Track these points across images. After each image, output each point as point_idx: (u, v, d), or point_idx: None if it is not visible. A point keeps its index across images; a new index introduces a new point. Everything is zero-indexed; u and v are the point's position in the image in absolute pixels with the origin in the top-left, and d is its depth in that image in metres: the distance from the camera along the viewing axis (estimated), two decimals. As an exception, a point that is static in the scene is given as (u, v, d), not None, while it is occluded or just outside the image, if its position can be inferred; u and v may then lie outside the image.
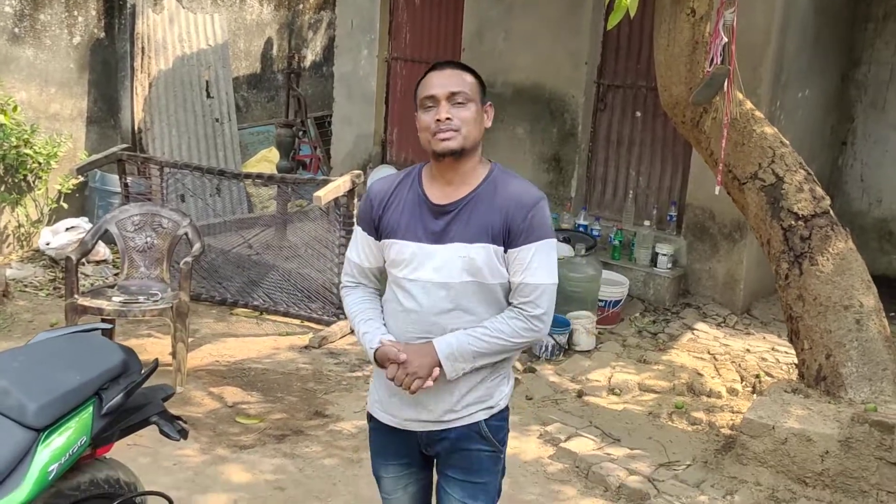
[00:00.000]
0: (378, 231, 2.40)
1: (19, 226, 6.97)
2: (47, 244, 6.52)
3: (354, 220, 2.61)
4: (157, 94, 7.69)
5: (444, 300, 2.29)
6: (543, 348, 5.34)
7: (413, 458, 2.49)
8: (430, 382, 2.24)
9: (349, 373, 5.19)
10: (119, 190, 6.36)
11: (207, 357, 5.27)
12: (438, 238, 2.30)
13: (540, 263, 2.28)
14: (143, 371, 2.52)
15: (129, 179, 6.27)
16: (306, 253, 6.02)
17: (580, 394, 4.96)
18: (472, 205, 2.29)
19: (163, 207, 5.11)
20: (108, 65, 7.59)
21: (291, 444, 4.28)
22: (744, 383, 5.14)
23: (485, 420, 2.38)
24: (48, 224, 6.96)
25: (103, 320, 4.43)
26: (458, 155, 2.27)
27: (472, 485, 2.41)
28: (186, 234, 5.00)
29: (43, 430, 2.21)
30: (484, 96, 2.35)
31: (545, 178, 6.98)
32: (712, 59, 4.44)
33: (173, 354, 4.72)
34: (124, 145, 6.38)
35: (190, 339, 5.45)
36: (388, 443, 2.49)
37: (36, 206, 7.05)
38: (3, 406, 2.19)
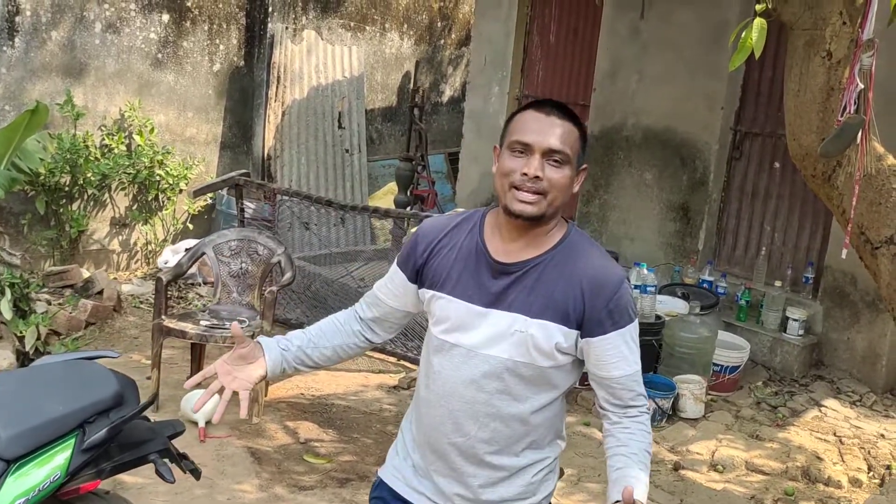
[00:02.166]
0: (420, 277, 2.06)
1: (147, 243, 7.21)
2: (165, 263, 6.69)
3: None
4: (290, 123, 7.82)
5: (488, 377, 1.95)
6: (643, 412, 4.91)
7: None
8: None
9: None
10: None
11: (293, 389, 5.18)
12: (493, 301, 1.95)
13: (626, 354, 1.96)
14: (140, 405, 2.39)
15: (245, 204, 6.35)
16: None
17: (676, 466, 4.50)
18: (540, 270, 1.95)
19: (259, 234, 5.09)
20: (244, 92, 7.80)
21: (353, 489, 4.08)
22: (871, 473, 4.53)
23: None
24: (172, 244, 7.16)
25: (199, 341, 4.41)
26: (536, 221, 1.94)
27: None
28: (280, 262, 4.95)
29: (14, 461, 2.11)
30: (583, 155, 1.99)
31: (671, 227, 6.54)
32: (844, 107, 3.96)
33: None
34: (243, 171, 6.47)
35: (282, 369, 5.40)
36: None
37: (164, 225, 7.28)
38: None
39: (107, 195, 6.91)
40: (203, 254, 4.99)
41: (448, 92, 9.75)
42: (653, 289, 5.39)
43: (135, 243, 7.21)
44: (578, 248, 1.98)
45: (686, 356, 5.18)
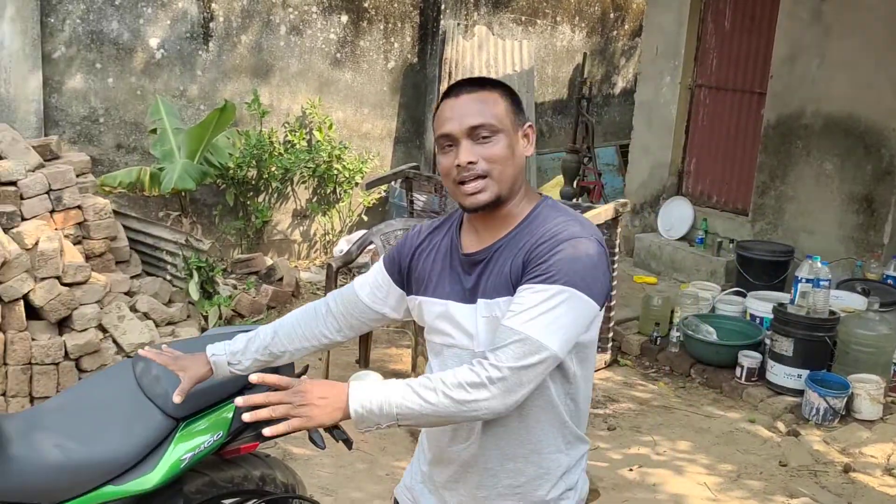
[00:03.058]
0: (407, 283, 1.96)
1: (325, 234, 7.62)
2: (341, 251, 7.03)
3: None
4: (460, 117, 7.99)
5: None
6: (814, 410, 4.70)
7: None
8: None
9: (591, 409, 4.95)
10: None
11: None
12: (470, 296, 1.81)
13: (540, 312, 1.66)
14: (294, 374, 2.58)
15: (415, 196, 6.58)
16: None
17: (847, 468, 4.28)
18: (503, 251, 1.79)
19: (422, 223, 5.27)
20: (417, 88, 8.06)
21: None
22: None
23: None
24: (348, 234, 7.52)
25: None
26: (495, 205, 1.79)
27: None
28: (442, 251, 5.11)
29: (182, 419, 2.34)
30: (519, 115, 1.82)
31: (853, 220, 6.18)
32: None
33: (413, 367, 4.83)
34: (413, 164, 6.70)
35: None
36: None
37: (340, 217, 7.66)
38: (152, 392, 2.36)
39: (289, 188, 7.35)
40: (371, 242, 5.23)
41: (620, 83, 9.64)
42: (826, 283, 5.13)
43: (314, 234, 7.63)
44: (542, 219, 1.79)
45: (863, 354, 4.89)
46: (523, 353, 1.65)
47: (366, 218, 7.59)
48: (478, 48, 8.13)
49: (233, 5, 6.92)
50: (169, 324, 4.86)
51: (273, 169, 6.90)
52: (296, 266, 7.26)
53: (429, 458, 1.97)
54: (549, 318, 1.66)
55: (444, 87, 7.92)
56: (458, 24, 8.03)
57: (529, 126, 1.84)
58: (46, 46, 6.16)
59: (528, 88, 8.44)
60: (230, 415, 2.40)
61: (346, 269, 7.12)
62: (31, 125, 6.04)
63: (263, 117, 6.99)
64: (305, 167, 7.14)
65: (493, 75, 8.13)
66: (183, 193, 6.25)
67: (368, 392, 1.68)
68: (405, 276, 1.95)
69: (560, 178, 8.23)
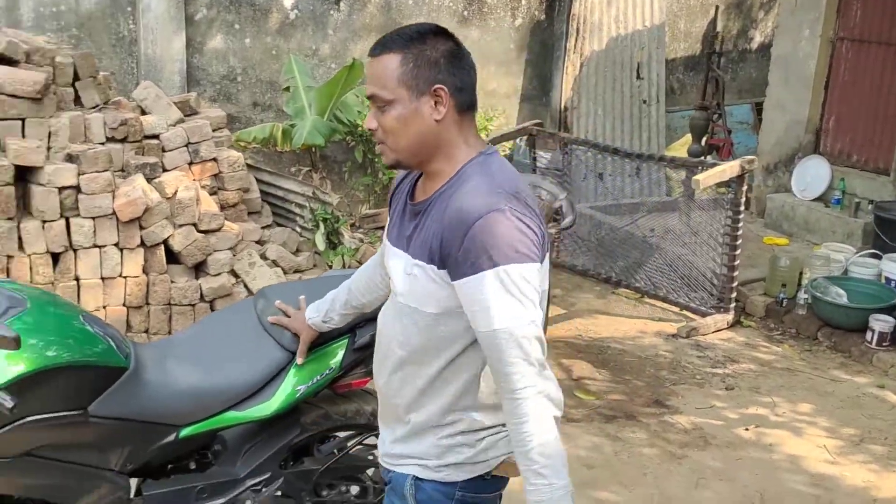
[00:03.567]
0: None
1: (450, 190, 7.73)
2: (464, 208, 7.14)
3: None
4: (587, 74, 7.91)
5: (397, 322, 1.84)
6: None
7: None
8: None
9: (709, 368, 4.90)
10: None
11: (573, 329, 5.36)
12: (405, 244, 1.81)
13: (498, 301, 1.63)
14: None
15: (538, 154, 6.60)
16: (693, 240, 5.78)
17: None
18: (430, 208, 1.77)
19: (543, 179, 5.29)
20: (545, 45, 8.01)
21: (618, 426, 4.20)
22: None
23: (416, 478, 1.86)
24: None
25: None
26: (401, 167, 1.81)
27: None
28: (561, 206, 5.12)
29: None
30: (426, 77, 1.71)
31: None
32: None
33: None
34: (536, 121, 6.70)
35: (563, 311, 5.62)
36: None
37: (465, 173, 7.74)
38: (270, 327, 2.52)
39: (415, 145, 7.49)
40: (491, 197, 5.30)
41: (758, 38, 9.26)
42: None
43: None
44: (463, 181, 1.72)
45: None
46: (511, 348, 1.64)
47: (490, 175, 7.64)
48: (606, 3, 7.98)
49: (363, -35, 7.06)
50: (296, 272, 5.10)
51: (400, 126, 7.05)
52: (421, 222, 7.42)
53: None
54: (504, 301, 1.63)
55: (571, 43, 7.85)
56: (587, -21, 7.90)
57: (440, 88, 1.72)
58: (189, 9, 6.48)
59: (659, 44, 8.24)
60: (342, 351, 2.54)
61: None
62: (174, 84, 6.40)
63: (391, 75, 7.13)
64: (431, 124, 7.25)
65: (621, 31, 7.99)
66: (313, 149, 6.48)
67: None
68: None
69: (689, 136, 8.04)
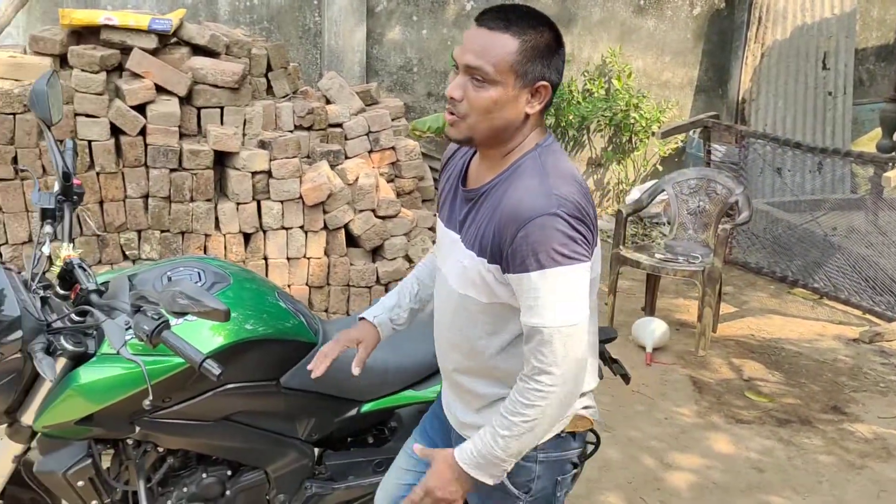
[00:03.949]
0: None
1: (619, 183, 7.66)
2: (633, 201, 7.05)
3: None
4: (768, 65, 7.60)
5: (447, 308, 1.89)
6: None
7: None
8: None
9: (894, 376, 4.64)
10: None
11: (744, 328, 5.21)
12: (459, 228, 1.83)
13: (547, 298, 1.64)
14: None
15: (713, 147, 6.42)
16: (881, 241, 5.48)
17: None
18: (485, 198, 1.76)
19: (719, 174, 5.16)
20: (723, 35, 7.77)
21: (792, 431, 4.05)
22: None
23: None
24: (641, 184, 7.50)
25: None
26: (469, 144, 1.78)
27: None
28: (737, 201, 4.98)
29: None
30: (538, 69, 1.67)
31: None
32: None
33: (699, 318, 4.79)
34: (712, 113, 6.53)
35: (735, 309, 5.48)
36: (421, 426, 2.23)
37: (634, 166, 7.65)
38: None
39: (585, 136, 7.46)
40: (663, 190, 5.22)
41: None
42: None
43: (607, 182, 7.69)
44: (519, 174, 1.71)
45: None
46: (556, 344, 1.66)
47: (661, 168, 7.50)
48: (793, -9, 7.64)
49: (539, -44, 7.09)
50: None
51: (571, 117, 7.03)
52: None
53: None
54: (555, 301, 1.65)
55: (752, 32, 7.57)
56: (772, -34, 7.58)
57: (543, 85, 1.70)
58: (371, 1, 6.72)
59: (849, 33, 7.80)
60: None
61: (635, 216, 7.13)
62: (355, 74, 6.66)
63: (565, 66, 7.11)
64: (602, 116, 7.19)
65: (807, 19, 7.63)
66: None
67: (471, 454, 1.77)
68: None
69: (878, 131, 7.57)
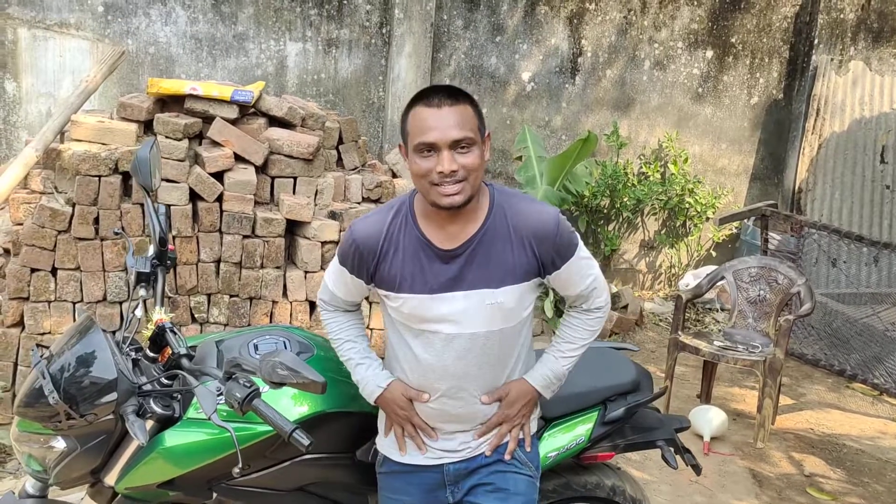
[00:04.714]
0: (374, 278, 2.16)
1: (671, 266, 7.64)
2: (686, 285, 7.02)
3: (336, 251, 2.29)
4: (826, 156, 7.62)
5: (470, 352, 2.11)
6: None
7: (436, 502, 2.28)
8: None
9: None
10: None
11: (802, 422, 5.11)
12: (453, 285, 2.06)
13: (586, 266, 2.18)
14: (654, 393, 2.70)
15: (770, 235, 6.40)
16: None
17: None
18: (487, 243, 2.06)
19: (780, 263, 5.13)
20: (780, 125, 7.81)
21: (856, 532, 3.95)
22: None
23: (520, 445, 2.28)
24: (694, 268, 7.47)
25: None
26: (466, 204, 2.02)
27: (506, 493, 2.22)
28: (799, 292, 4.94)
29: (550, 420, 2.56)
30: (482, 125, 2.04)
31: None
32: None
33: (758, 409, 4.72)
34: (770, 202, 6.52)
35: (792, 402, 5.39)
36: (408, 485, 2.27)
37: (688, 250, 7.63)
38: None
39: (639, 219, 7.49)
40: (723, 278, 5.20)
41: None
42: None
43: (659, 265, 7.68)
44: (507, 208, 2.08)
45: None
46: (601, 286, 2.24)
47: (714, 254, 7.49)
48: (851, 84, 7.69)
49: (601, 42, 7.23)
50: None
51: (626, 199, 7.07)
52: (639, 296, 7.37)
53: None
54: (589, 263, 2.20)
55: (810, 124, 7.61)
56: (832, 60, 7.66)
57: (488, 135, 2.09)
58: (434, 78, 6.88)
59: (907, 128, 7.81)
60: (593, 422, 2.59)
61: (693, 302, 7.09)
62: (415, 148, 6.78)
63: (621, 149, 7.20)
64: (657, 199, 7.23)
65: (865, 113, 7.66)
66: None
67: (545, 377, 2.24)
68: (372, 275, 2.15)
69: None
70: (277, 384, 1.95)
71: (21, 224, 3.98)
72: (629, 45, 7.31)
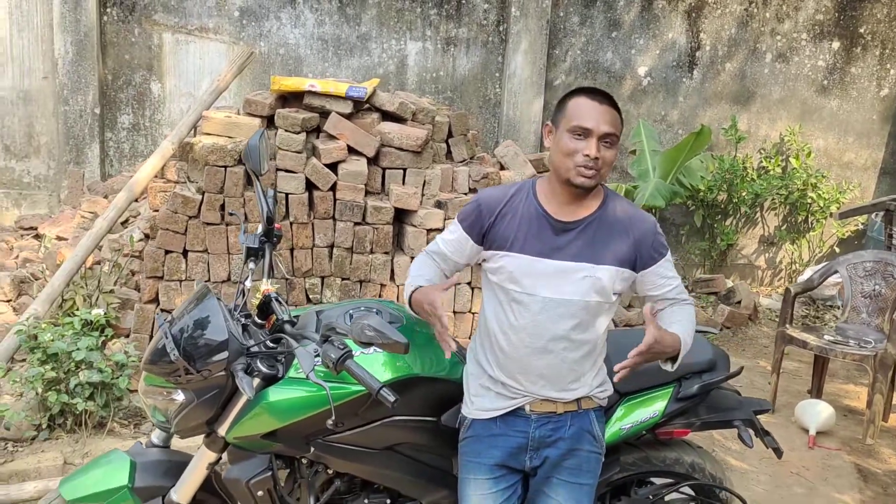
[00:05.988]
0: (485, 239, 2.38)
1: (791, 262, 7.48)
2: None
3: (456, 216, 2.52)
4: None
5: (564, 317, 2.30)
6: None
7: (514, 465, 2.44)
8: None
9: None
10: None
11: (923, 421, 4.97)
12: (561, 255, 2.31)
13: (670, 270, 2.41)
14: (729, 373, 2.77)
15: (894, 230, 6.20)
16: None
17: None
18: (596, 226, 2.33)
19: (898, 258, 5.00)
20: (913, 117, 7.52)
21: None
22: None
23: (595, 413, 2.45)
24: (815, 265, 7.29)
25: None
26: (592, 189, 2.31)
27: (578, 486, 2.42)
28: (915, 288, 4.81)
29: (625, 394, 2.68)
30: (621, 133, 2.34)
31: None
32: None
33: (868, 405, 4.63)
34: (895, 196, 6.31)
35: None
36: (491, 448, 2.44)
37: (809, 246, 7.46)
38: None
39: (758, 214, 7.37)
40: (836, 272, 5.11)
41: None
42: None
43: (779, 262, 7.54)
44: (617, 204, 2.38)
45: None
46: (687, 296, 2.49)
47: (837, 250, 7.29)
48: None
49: (721, 35, 7.17)
50: (626, 325, 5.30)
51: (744, 194, 6.98)
52: (756, 291, 7.26)
53: (511, 378, 2.40)
54: (674, 272, 2.46)
55: (944, 116, 7.28)
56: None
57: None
58: (549, 74, 7.02)
59: None
60: (667, 398, 2.69)
61: (808, 298, 6.95)
62: (529, 143, 6.94)
63: (739, 143, 7.12)
64: (777, 194, 7.10)
65: None
66: (653, 210, 6.66)
67: (685, 342, 2.36)
68: (485, 234, 2.38)
69: None
70: (366, 344, 2.17)
71: (157, 210, 4.39)
72: (750, 37, 7.21)
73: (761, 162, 7.29)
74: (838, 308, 6.76)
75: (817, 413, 4.67)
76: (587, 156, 2.23)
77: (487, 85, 7.06)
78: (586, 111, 2.25)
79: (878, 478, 4.29)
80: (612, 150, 2.28)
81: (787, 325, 4.92)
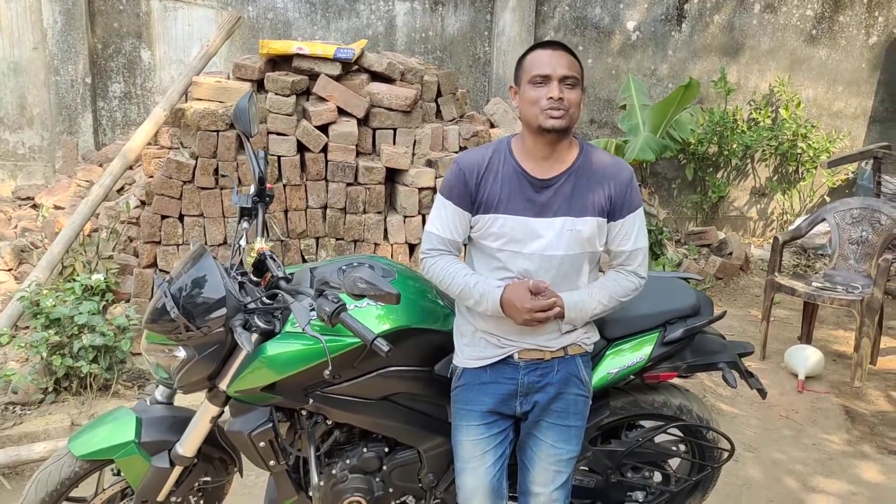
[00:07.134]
0: (474, 205, 2.42)
1: (783, 213, 7.55)
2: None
3: (438, 192, 2.51)
4: (950, 96, 7.32)
5: (551, 271, 2.38)
6: None
7: (505, 410, 2.52)
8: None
9: None
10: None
11: (905, 362, 5.08)
12: (541, 211, 2.38)
13: (640, 230, 2.44)
14: (712, 316, 2.85)
15: (883, 178, 6.27)
16: None
17: None
18: (573, 179, 2.39)
19: (884, 204, 5.07)
20: (901, 65, 7.54)
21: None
22: None
23: (581, 359, 2.52)
24: (806, 214, 7.37)
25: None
26: (561, 133, 2.35)
27: (567, 428, 2.51)
28: (902, 232, 4.89)
29: (612, 340, 2.76)
30: (583, 79, 2.40)
31: None
32: None
33: (855, 348, 4.73)
34: (883, 143, 6.37)
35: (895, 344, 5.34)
36: (482, 395, 2.51)
37: (800, 196, 7.52)
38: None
39: (749, 165, 7.43)
40: (823, 219, 5.19)
41: None
42: None
43: (771, 212, 7.61)
44: (593, 156, 2.43)
45: None
46: (646, 259, 2.48)
47: (828, 199, 7.37)
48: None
49: (707, -14, 7.17)
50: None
51: (734, 146, 7.04)
52: (748, 242, 7.34)
53: (502, 329, 2.46)
54: (644, 231, 2.47)
55: (932, 62, 7.31)
56: (957, -6, 7.32)
57: (584, 87, 2.42)
58: (538, 31, 7.03)
59: None
60: (653, 343, 2.77)
61: (799, 247, 7.04)
62: (520, 101, 6.96)
63: (728, 95, 7.15)
64: (768, 145, 7.15)
65: None
66: (644, 165, 6.71)
67: (576, 303, 2.39)
68: (473, 199, 2.43)
69: None
70: (358, 296, 2.24)
71: (152, 176, 4.45)
72: (737, -12, 7.21)
73: (751, 113, 7.33)
74: (828, 257, 6.85)
75: (806, 358, 4.77)
76: (551, 98, 2.32)
77: (476, 44, 7.07)
78: (542, 60, 2.36)
79: (865, 418, 4.40)
80: (575, 90, 2.36)
81: (776, 273, 5.00)
